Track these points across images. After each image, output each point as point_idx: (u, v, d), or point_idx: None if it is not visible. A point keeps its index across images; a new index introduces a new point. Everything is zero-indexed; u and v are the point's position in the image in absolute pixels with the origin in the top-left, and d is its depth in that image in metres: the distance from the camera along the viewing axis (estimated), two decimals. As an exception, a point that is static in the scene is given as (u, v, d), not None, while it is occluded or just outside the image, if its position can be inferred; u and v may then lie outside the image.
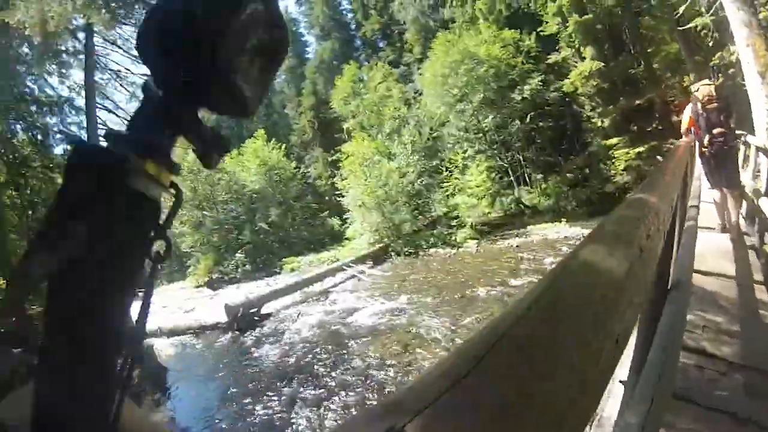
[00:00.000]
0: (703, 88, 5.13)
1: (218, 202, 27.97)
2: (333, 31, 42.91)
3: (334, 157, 23.91)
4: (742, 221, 5.68)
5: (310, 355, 8.56)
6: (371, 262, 17.64)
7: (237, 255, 25.79)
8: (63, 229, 0.28)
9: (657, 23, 19.98)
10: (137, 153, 0.31)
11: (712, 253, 4.50)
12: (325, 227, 27.66)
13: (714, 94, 5.05)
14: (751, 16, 7.49)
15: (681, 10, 13.62)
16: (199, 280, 25.26)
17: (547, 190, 19.89)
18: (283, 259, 23.55)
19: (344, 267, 16.72)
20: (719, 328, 2.87)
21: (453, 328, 8.51)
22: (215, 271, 25.32)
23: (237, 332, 11.48)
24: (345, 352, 8.37)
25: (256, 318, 12.27)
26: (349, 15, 45.34)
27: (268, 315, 12.49)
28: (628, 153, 18.67)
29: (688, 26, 15.21)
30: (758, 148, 6.06)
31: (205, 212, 27.64)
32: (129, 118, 0.34)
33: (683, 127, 5.60)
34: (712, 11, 10.29)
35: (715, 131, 4.96)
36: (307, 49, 47.25)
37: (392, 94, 23.51)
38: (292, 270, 21.62)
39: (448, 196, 20.76)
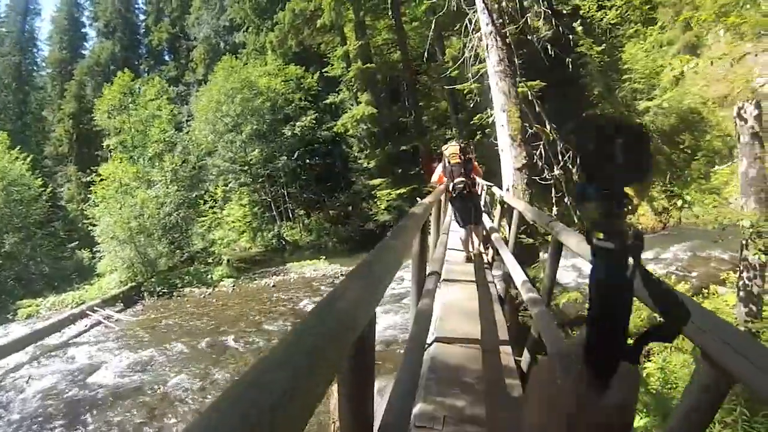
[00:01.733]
0: (451, 148, 6.40)
1: (-67, 222, 21.63)
2: (118, 30, 38.08)
3: (89, 178, 20.64)
4: (491, 274, 6.56)
5: (38, 437, 6.93)
6: (122, 304, 15.74)
7: (-44, 297, 20.22)
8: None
9: (432, 82, 22.60)
10: None
11: (455, 312, 4.40)
12: (74, 261, 23.63)
13: (458, 152, 6.32)
14: (510, 87, 8.54)
15: (452, 73, 15.63)
16: None
17: (310, 226, 20.49)
18: (18, 302, 19.15)
19: (88, 312, 14.49)
20: (462, 416, 2.56)
21: (203, 385, 7.97)
22: None
23: (-58, 412, 8.77)
24: (80, 426, 7.15)
25: (-28, 388, 9.67)
26: (141, 16, 41.07)
27: (-9, 381, 9.92)
28: (390, 193, 20.31)
29: (455, 87, 17.27)
30: (502, 202, 7.39)
31: None
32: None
33: (433, 178, 6.76)
34: (476, 78, 11.68)
35: (456, 180, 6.24)
36: (85, 43, 40.80)
37: (161, 114, 21.51)
38: (29, 316, 17.75)
39: (208, 229, 19.77)
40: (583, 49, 15.95)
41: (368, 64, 21.36)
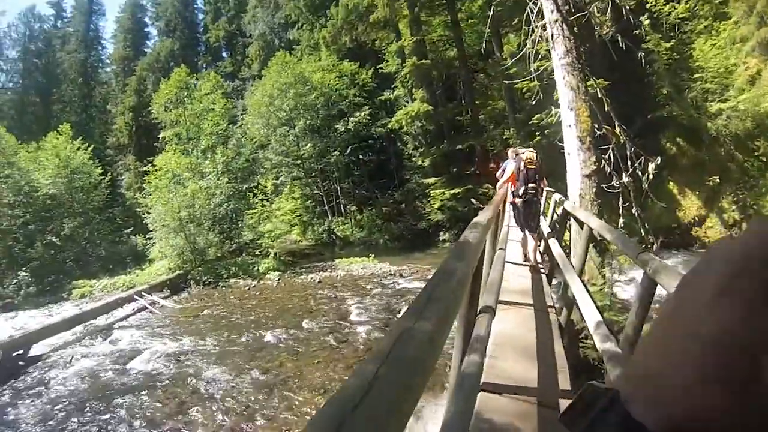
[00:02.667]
0: (527, 152, 6.56)
1: (3, 204, 22.72)
2: (178, 29, 39.46)
3: (145, 168, 21.11)
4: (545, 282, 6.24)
5: (73, 417, 7.12)
6: (168, 291, 15.76)
7: (21, 273, 21.14)
8: None
9: (489, 81, 21.77)
10: None
11: (508, 347, 3.60)
12: (129, 245, 24.23)
13: (534, 158, 6.45)
14: (579, 82, 7.54)
15: (510, 69, 14.87)
16: (-36, 306, 19.88)
17: (361, 222, 19.96)
18: (73, 282, 19.78)
19: (136, 296, 14.54)
20: None
21: (234, 383, 7.74)
22: (-11, 294, 20.19)
23: (-7, 383, 9.01)
24: (112, 411, 7.15)
25: (21, 363, 9.77)
26: (201, 15, 42.42)
27: (39, 357, 10.13)
28: (444, 193, 19.38)
29: (515, 83, 16.10)
30: (568, 212, 6.54)
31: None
32: None
33: (502, 179, 6.91)
34: (538, 73, 10.76)
35: (529, 185, 6.37)
36: (147, 42, 42.80)
37: (215, 108, 21.68)
38: (82, 296, 18.27)
39: (258, 222, 19.62)
40: (650, 45, 14.57)
41: (423, 60, 20.61)
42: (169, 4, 39.78)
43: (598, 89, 8.74)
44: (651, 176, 8.71)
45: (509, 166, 6.86)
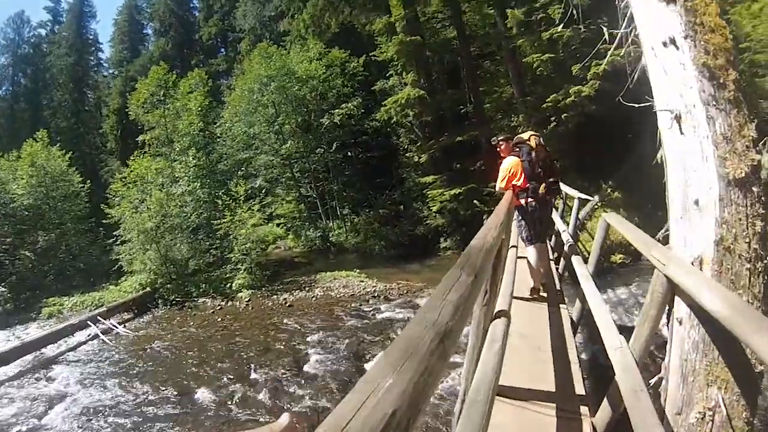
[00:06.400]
0: (534, 138, 4.79)
1: (-19, 218, 21.41)
2: (172, 29, 38.07)
3: (122, 174, 19.44)
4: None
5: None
6: (133, 312, 14.28)
7: (0, 288, 19.79)
8: None
9: (495, 66, 19.42)
10: None
11: None
12: (112, 257, 22.63)
13: (541, 141, 4.83)
14: None
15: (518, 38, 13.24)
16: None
17: (357, 226, 18.00)
18: (44, 300, 18.21)
19: (88, 323, 12.91)
20: None
21: None
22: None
23: None
24: None
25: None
26: (197, 13, 40.99)
27: (-27, 401, 8.76)
28: (443, 194, 16.80)
29: (524, 60, 14.93)
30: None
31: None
32: None
33: (504, 181, 4.81)
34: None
35: (551, 179, 4.70)
36: (145, 44, 41.80)
37: (191, 106, 19.79)
38: (50, 316, 16.73)
39: (230, 230, 17.67)
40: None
41: (413, 37, 17.52)
42: (162, 4, 38.54)
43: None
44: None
45: (505, 163, 4.90)
